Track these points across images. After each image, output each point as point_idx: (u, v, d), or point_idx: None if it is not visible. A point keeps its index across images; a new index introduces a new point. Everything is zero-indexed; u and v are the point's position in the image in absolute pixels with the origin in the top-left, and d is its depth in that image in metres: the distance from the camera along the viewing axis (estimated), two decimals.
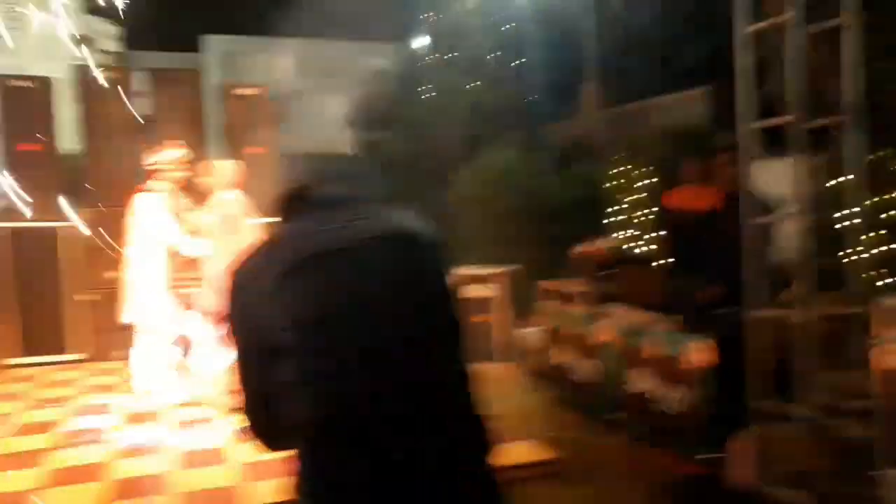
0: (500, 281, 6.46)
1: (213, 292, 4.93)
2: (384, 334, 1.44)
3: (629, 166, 7.53)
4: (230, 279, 1.55)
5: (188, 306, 5.18)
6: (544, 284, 6.30)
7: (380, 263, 1.49)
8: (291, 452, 1.49)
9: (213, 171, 5.22)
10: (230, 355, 1.54)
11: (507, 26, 9.81)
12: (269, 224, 1.67)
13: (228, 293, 1.54)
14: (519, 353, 6.28)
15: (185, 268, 5.19)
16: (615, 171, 7.67)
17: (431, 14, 10.75)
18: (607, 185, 7.73)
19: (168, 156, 5.19)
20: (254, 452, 4.14)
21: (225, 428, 4.64)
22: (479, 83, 9.62)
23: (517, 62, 9.67)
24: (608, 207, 7.69)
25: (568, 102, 9.64)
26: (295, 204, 1.62)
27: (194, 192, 5.34)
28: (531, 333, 6.18)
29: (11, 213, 6.46)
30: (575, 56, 10.00)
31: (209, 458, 4.17)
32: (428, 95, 10.12)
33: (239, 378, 1.54)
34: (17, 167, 6.50)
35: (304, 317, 1.42)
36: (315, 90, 11.13)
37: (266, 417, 1.51)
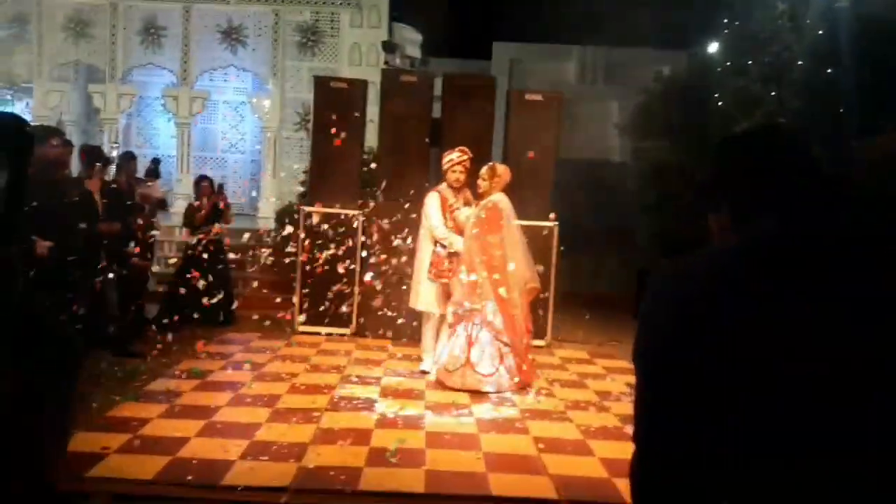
0: None
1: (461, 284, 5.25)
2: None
3: None
4: (659, 292, 1.19)
5: (447, 295, 5.50)
6: None
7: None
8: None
9: (490, 174, 5.46)
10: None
11: (821, 31, 8.73)
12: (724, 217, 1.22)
13: (654, 311, 1.18)
14: None
15: (446, 260, 5.52)
16: None
17: (728, 20, 10.00)
18: None
19: (447, 157, 5.70)
20: (497, 445, 4.20)
21: (478, 414, 4.78)
22: (776, 93, 8.70)
23: (829, 70, 8.56)
24: None
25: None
26: (769, 182, 1.13)
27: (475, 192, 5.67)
28: None
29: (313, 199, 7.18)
30: None
31: (459, 442, 4.31)
32: (718, 105, 9.42)
33: (643, 414, 1.20)
34: (322, 162, 7.24)
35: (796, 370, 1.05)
36: (596, 97, 11.03)
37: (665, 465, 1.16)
